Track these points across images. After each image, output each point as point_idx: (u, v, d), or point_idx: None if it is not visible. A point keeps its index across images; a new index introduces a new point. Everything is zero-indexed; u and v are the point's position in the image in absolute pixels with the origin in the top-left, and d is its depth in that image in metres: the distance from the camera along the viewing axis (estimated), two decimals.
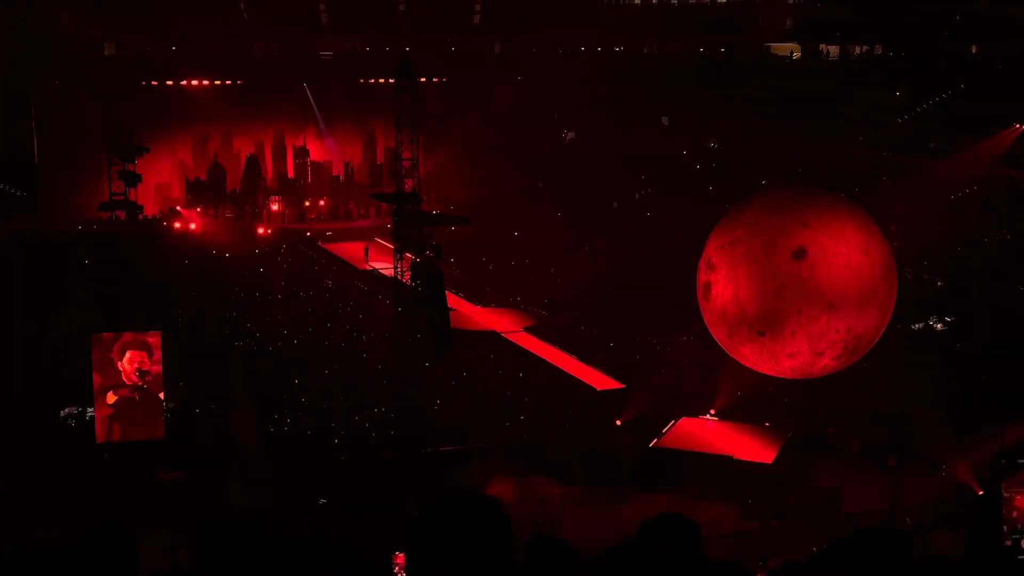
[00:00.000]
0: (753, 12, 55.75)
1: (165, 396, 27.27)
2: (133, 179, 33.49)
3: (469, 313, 38.30)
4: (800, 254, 19.88)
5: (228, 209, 51.02)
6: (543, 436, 28.58)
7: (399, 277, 33.89)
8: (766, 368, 21.58)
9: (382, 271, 40.38)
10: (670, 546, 5.07)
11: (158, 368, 26.91)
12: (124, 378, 26.70)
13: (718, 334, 21.87)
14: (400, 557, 15.38)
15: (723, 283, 20.89)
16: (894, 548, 5.00)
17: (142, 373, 26.72)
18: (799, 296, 19.95)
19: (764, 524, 24.25)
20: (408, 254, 33.65)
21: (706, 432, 28.65)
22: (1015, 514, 6.72)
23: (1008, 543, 6.43)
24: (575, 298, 39.58)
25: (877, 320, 20.74)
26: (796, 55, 54.06)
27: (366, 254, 45.35)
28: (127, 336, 26.93)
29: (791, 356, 20.31)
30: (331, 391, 30.64)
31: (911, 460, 26.14)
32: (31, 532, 20.72)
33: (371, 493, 24.13)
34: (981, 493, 23.52)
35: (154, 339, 27.37)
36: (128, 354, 26.83)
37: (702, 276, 22.38)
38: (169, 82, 50.63)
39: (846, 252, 20.12)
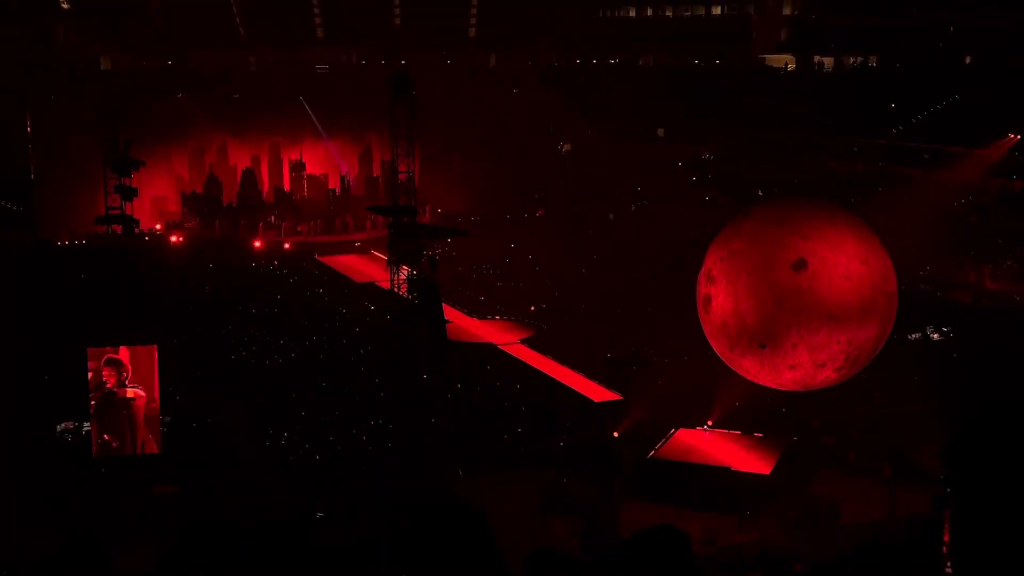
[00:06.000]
0: (748, 24, 55.95)
1: (161, 410, 27.11)
2: (129, 193, 33.44)
3: (466, 325, 38.26)
4: (800, 265, 19.88)
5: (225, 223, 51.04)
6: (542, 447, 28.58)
7: (395, 290, 33.86)
8: (768, 380, 21.56)
9: (379, 284, 40.32)
10: (661, 557, 5.09)
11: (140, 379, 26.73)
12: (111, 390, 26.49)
13: (719, 347, 21.85)
14: None
15: (723, 295, 20.90)
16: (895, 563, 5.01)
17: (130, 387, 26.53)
18: (800, 308, 19.94)
19: (762, 534, 24.19)
20: (405, 267, 33.65)
21: (704, 443, 28.62)
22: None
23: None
24: (572, 310, 39.60)
25: (878, 330, 20.74)
26: (791, 67, 54.24)
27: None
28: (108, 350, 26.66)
29: (792, 368, 20.29)
30: (328, 404, 30.56)
31: (907, 470, 26.12)
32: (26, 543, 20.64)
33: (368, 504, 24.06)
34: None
35: (148, 353, 27.14)
36: (111, 365, 26.61)
37: (702, 289, 22.38)
38: (165, 96, 50.80)
39: (846, 263, 20.13)
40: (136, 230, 35.04)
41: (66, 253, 41.75)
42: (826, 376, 20.72)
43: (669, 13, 58.34)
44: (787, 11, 55.71)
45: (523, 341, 36.50)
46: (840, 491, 25.69)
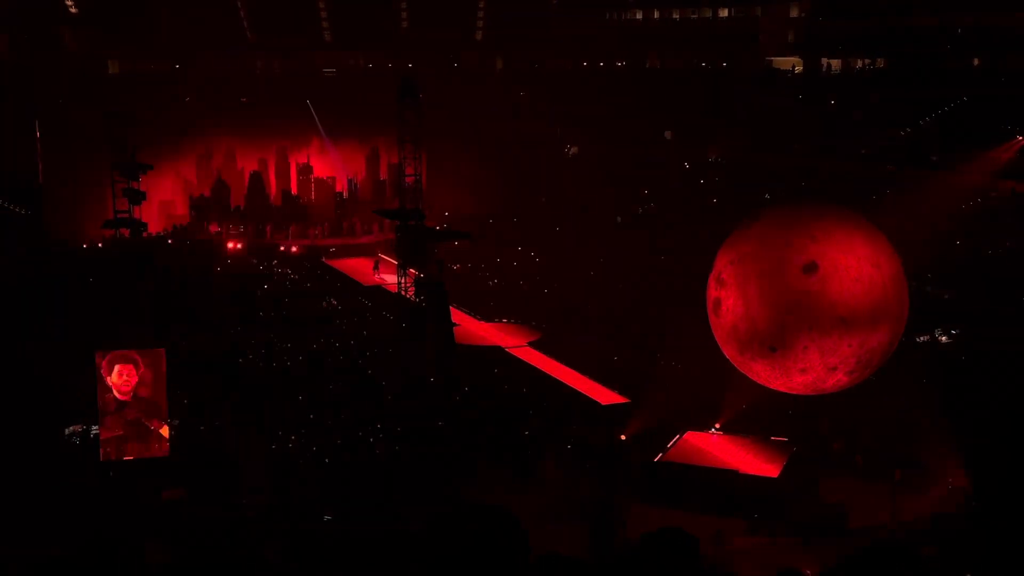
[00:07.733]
0: (755, 27, 55.84)
1: (169, 414, 27.14)
2: (137, 197, 33.50)
3: (473, 328, 38.26)
4: (811, 268, 19.83)
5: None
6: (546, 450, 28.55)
7: (403, 293, 33.87)
8: (778, 384, 21.48)
9: (388, 286, 40.36)
10: (668, 560, 5.07)
11: (147, 383, 26.71)
12: (116, 394, 26.45)
13: (729, 350, 21.77)
14: None
15: (733, 299, 20.84)
16: (904, 567, 4.98)
17: (136, 390, 26.49)
18: (810, 311, 19.87)
19: (770, 538, 24.15)
20: (412, 270, 33.65)
21: (711, 446, 28.57)
22: None
23: None
24: (580, 313, 39.54)
25: (890, 333, 20.66)
26: (798, 69, 54.13)
27: (376, 267, 45.30)
28: (115, 351, 26.64)
29: (804, 372, 20.23)
30: (336, 407, 30.58)
31: (916, 474, 26.03)
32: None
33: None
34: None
35: (156, 356, 27.14)
36: (116, 367, 26.58)
37: (712, 292, 22.33)
38: (172, 100, 50.92)
39: (856, 265, 20.07)
40: (144, 233, 35.07)
41: (75, 256, 41.81)
42: (837, 379, 20.64)
43: (676, 15, 58.31)
44: (794, 13, 55.62)
45: (530, 344, 36.49)
46: (848, 495, 25.62)
